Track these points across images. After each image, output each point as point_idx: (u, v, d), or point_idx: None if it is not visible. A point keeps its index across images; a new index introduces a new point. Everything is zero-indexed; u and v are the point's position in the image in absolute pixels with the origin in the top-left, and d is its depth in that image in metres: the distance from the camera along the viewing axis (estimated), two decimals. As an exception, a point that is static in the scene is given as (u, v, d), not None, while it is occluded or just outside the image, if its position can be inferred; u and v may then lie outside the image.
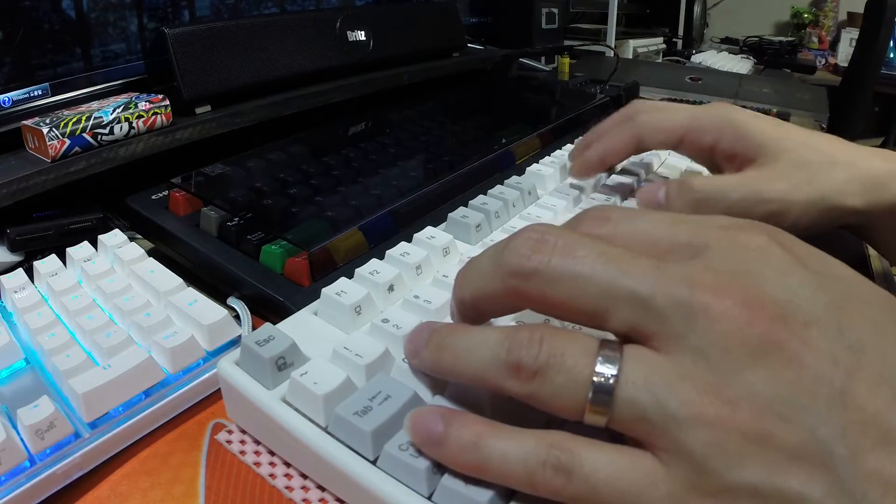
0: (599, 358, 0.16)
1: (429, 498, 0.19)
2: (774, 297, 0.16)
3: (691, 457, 0.15)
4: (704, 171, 0.41)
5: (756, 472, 0.15)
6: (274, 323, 0.25)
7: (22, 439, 0.22)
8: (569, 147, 0.48)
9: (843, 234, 0.36)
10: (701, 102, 0.78)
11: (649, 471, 0.16)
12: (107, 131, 0.40)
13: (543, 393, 0.17)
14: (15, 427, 0.23)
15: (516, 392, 0.18)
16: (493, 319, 0.23)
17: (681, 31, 1.59)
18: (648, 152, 0.44)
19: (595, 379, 0.16)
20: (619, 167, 0.42)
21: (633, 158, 0.40)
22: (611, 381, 0.16)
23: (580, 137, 0.41)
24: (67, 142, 0.38)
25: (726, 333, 0.15)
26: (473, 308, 0.21)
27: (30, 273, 0.33)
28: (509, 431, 0.18)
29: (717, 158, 0.35)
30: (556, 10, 0.98)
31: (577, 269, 0.17)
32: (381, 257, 0.30)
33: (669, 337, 0.16)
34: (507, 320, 0.25)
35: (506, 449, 0.17)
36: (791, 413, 0.15)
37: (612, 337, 0.18)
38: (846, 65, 1.67)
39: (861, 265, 0.39)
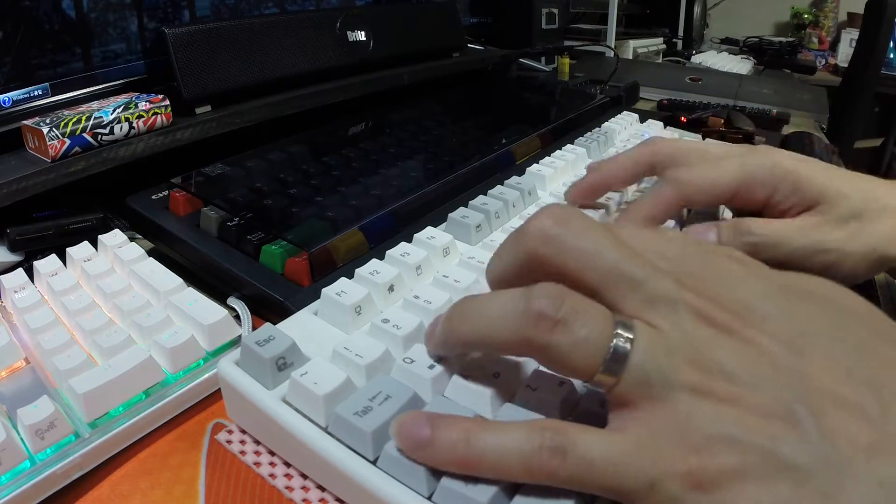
0: (617, 324, 0.18)
1: (429, 498, 0.19)
2: (736, 300, 0.19)
3: (678, 415, 0.17)
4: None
5: (731, 425, 0.17)
6: (274, 323, 0.25)
7: (22, 439, 0.22)
8: (570, 148, 0.48)
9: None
10: (701, 103, 0.78)
11: (637, 437, 0.18)
12: (107, 131, 0.40)
13: (564, 344, 0.18)
14: (15, 427, 0.23)
15: (536, 341, 0.18)
16: None
17: (681, 32, 1.59)
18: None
19: (615, 341, 0.18)
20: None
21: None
22: (627, 345, 0.18)
23: (588, 177, 0.36)
24: (67, 142, 0.38)
25: (699, 321, 0.18)
26: (501, 284, 0.22)
27: (30, 273, 0.33)
28: (497, 425, 0.19)
29: (768, 211, 0.33)
30: (556, 10, 0.98)
31: (589, 246, 0.19)
32: (381, 257, 0.30)
33: (657, 316, 0.19)
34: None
35: (498, 440, 0.18)
36: (756, 381, 0.17)
37: None
38: (846, 65, 1.67)
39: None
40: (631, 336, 0.18)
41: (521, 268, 0.21)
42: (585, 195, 0.37)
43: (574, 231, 0.20)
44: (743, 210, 0.34)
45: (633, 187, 0.40)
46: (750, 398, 0.17)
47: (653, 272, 0.19)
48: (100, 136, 0.40)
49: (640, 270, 0.19)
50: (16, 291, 0.31)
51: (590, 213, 0.35)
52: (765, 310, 0.19)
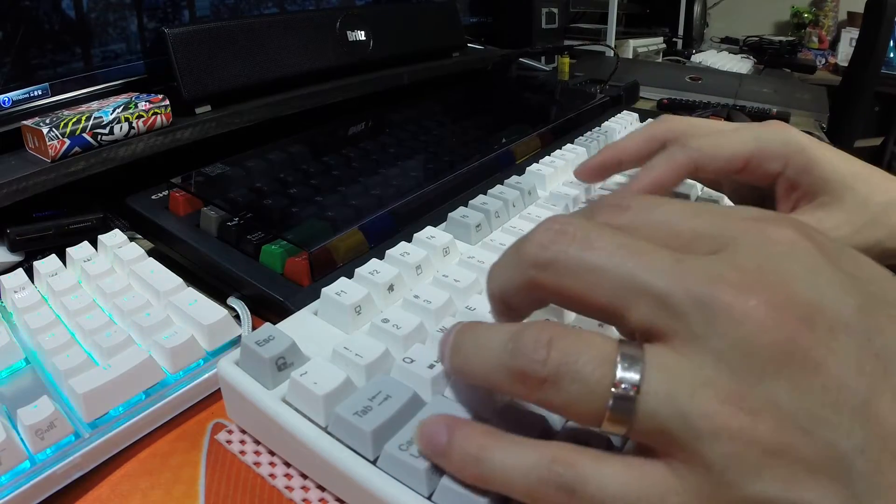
0: (620, 365, 0.16)
1: (429, 498, 0.19)
2: (802, 298, 0.15)
3: (709, 469, 0.15)
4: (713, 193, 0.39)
5: (773, 485, 0.14)
6: (274, 323, 0.25)
7: (22, 439, 0.22)
8: (570, 148, 0.48)
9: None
10: (701, 102, 0.78)
11: (659, 484, 0.15)
12: (107, 131, 0.40)
13: (556, 401, 0.16)
14: (15, 427, 0.23)
15: (526, 399, 0.17)
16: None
17: (681, 31, 1.59)
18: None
19: (615, 390, 0.15)
20: None
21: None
22: (632, 392, 0.15)
23: (599, 154, 0.36)
24: (67, 142, 0.38)
25: (749, 337, 0.15)
26: (502, 302, 0.20)
27: (30, 273, 0.33)
28: (511, 443, 0.17)
29: (778, 187, 0.32)
30: (556, 10, 0.98)
31: (595, 260, 0.17)
32: (381, 257, 0.30)
33: (689, 337, 0.15)
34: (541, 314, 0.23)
35: (507, 463, 0.17)
36: (812, 426, 0.14)
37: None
38: (846, 65, 1.67)
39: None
40: (635, 380, 0.15)
41: (521, 292, 0.19)
42: (596, 172, 0.36)
43: (574, 246, 0.17)
44: (753, 186, 0.33)
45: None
46: (800, 449, 0.14)
47: (676, 271, 0.16)
48: (100, 136, 0.40)
49: (662, 277, 0.16)
50: (16, 291, 0.31)
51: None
52: (837, 315, 0.15)
